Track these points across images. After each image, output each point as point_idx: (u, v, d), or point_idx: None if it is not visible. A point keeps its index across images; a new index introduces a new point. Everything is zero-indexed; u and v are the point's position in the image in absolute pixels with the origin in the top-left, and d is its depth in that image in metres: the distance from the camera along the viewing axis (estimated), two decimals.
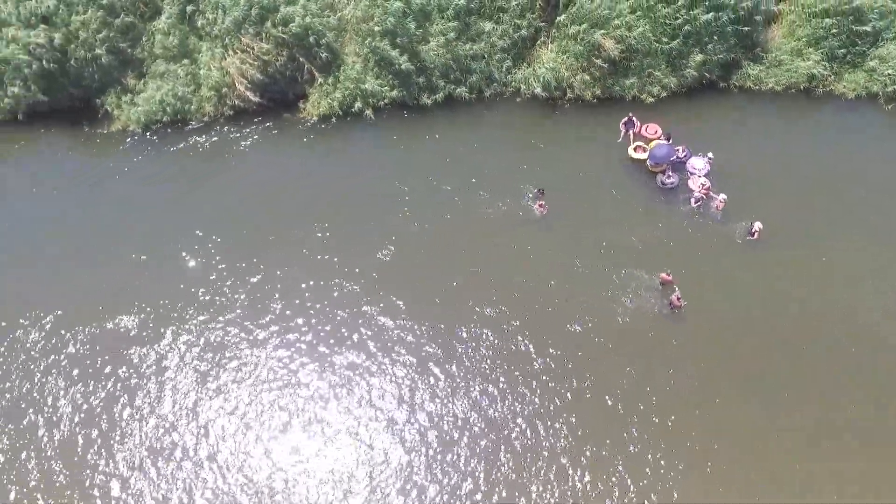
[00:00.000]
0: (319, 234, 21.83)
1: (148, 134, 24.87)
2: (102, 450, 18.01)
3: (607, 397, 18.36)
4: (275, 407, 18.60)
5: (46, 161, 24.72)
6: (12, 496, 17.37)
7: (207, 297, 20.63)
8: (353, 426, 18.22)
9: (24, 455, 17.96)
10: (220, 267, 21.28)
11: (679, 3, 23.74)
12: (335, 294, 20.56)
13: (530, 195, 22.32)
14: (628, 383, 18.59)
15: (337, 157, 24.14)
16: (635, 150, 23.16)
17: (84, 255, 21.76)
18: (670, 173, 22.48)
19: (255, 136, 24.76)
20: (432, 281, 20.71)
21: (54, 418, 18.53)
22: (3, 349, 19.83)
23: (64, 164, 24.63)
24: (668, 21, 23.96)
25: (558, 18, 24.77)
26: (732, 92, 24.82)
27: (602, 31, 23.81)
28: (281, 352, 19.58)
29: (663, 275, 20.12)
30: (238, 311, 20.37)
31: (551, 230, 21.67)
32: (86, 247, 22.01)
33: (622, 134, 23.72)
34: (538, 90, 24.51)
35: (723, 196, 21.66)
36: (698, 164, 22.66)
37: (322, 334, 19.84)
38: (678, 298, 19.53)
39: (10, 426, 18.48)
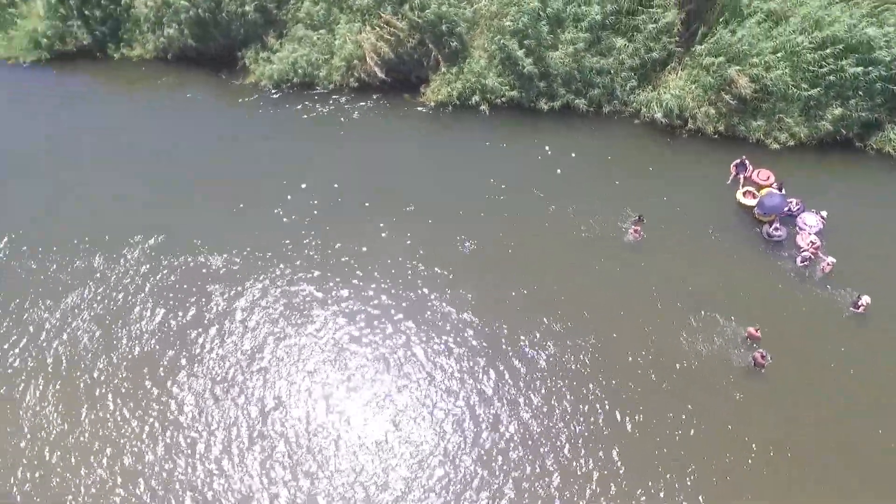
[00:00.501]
0: (410, 213, 22.42)
1: (276, 92, 26.41)
2: (173, 370, 19.53)
3: (657, 438, 17.78)
4: (328, 365, 19.52)
5: (180, 100, 26.90)
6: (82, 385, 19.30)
7: (293, 253, 21.68)
8: (383, 393, 18.96)
9: (102, 361, 19.76)
10: (311, 227, 22.29)
11: (827, 51, 22.28)
12: (409, 274, 21.10)
13: (628, 219, 21.81)
14: (678, 429, 17.90)
15: (446, 145, 24.64)
16: (744, 195, 22.07)
17: (188, 191, 23.58)
18: (778, 225, 21.24)
19: (374, 111, 25.70)
20: (506, 284, 20.75)
21: (136, 332, 20.28)
22: (109, 261, 21.81)
23: (196, 106, 26.72)
24: (811, 67, 22.53)
25: (694, 47, 23.94)
26: (867, 154, 23.08)
27: (737, 67, 22.80)
28: (343, 319, 20.37)
29: (752, 329, 19.13)
30: (319, 271, 21.28)
31: (639, 258, 21.11)
32: (193, 184, 23.83)
33: (732, 176, 22.66)
34: (658, 115, 23.84)
35: (831, 259, 20.27)
36: (810, 220, 21.30)
37: (389, 309, 20.46)
38: (763, 356, 18.53)
39: (98, 332, 20.36)
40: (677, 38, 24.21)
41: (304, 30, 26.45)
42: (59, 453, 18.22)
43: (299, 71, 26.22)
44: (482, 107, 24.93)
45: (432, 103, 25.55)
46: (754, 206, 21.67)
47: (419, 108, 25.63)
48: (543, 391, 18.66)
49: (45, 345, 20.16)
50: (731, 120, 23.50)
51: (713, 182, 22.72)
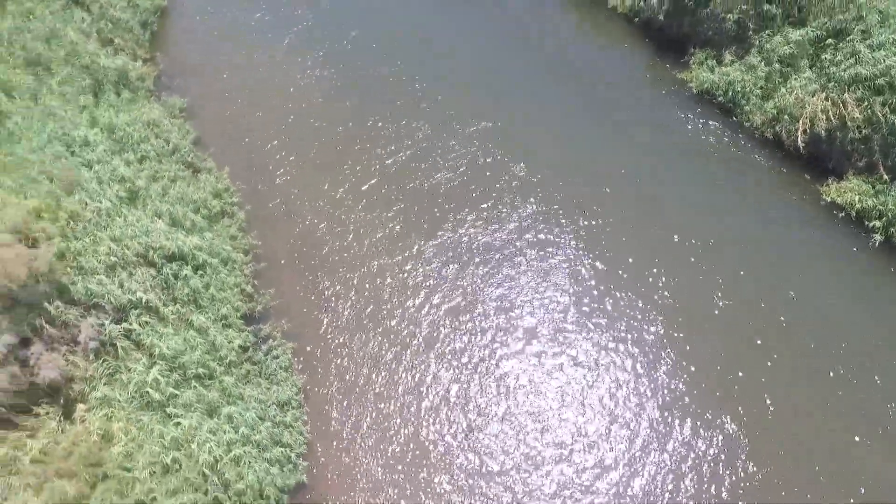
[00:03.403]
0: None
1: (697, 105, 27.04)
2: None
3: None
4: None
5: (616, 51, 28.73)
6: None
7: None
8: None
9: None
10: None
11: None
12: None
13: None
14: None
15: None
16: None
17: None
18: None
19: (761, 181, 24.41)
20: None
21: None
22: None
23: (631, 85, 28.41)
24: None
25: None
26: None
27: None
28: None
29: None
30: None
31: None
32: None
33: None
34: None
35: None
36: None
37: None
38: None
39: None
40: None
41: (757, 61, 26.34)
42: None
43: (728, 93, 26.46)
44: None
45: (833, 200, 23.13)
46: None
47: (819, 201, 23.48)
48: (692, 408, 18.12)
49: None
50: None
51: None
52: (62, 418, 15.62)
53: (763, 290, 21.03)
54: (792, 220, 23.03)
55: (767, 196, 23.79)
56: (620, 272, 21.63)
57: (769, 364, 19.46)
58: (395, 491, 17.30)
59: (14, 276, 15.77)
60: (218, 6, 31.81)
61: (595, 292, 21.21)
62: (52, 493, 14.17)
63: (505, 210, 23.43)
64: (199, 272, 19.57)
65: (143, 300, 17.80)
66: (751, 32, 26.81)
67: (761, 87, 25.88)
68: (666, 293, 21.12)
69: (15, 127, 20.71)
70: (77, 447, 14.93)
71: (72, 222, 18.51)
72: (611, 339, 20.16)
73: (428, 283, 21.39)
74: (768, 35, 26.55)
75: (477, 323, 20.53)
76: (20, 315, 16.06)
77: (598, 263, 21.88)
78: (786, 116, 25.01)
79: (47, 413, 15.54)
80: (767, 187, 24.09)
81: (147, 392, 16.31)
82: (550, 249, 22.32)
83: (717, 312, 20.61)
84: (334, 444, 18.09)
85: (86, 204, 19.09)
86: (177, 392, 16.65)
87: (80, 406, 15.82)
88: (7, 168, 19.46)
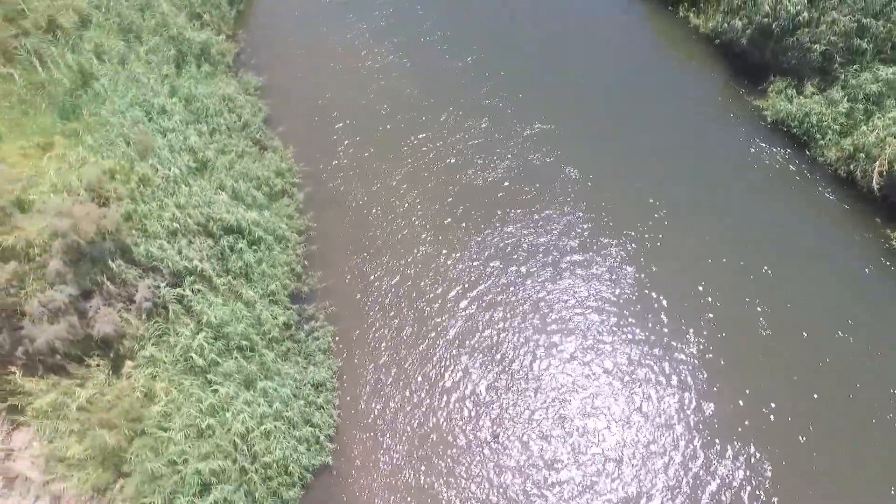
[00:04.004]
0: None
1: (769, 126, 26.31)
2: None
3: None
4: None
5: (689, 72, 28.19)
6: None
7: None
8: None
9: None
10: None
11: None
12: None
13: None
14: None
15: None
16: None
17: None
18: None
19: (831, 225, 23.86)
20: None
21: None
22: None
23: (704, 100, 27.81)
24: None
25: None
26: None
27: None
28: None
29: None
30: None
31: None
32: None
33: None
34: None
35: None
36: None
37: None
38: None
39: None
40: None
41: (840, 95, 25.33)
42: None
43: (804, 124, 25.59)
44: None
45: None
46: None
47: (888, 245, 22.50)
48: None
49: None
50: None
51: None
52: (110, 372, 16.53)
53: (814, 328, 20.44)
54: (857, 261, 22.22)
55: (833, 233, 23.01)
56: (665, 292, 21.33)
57: (810, 406, 18.89)
58: (418, 481, 17.62)
59: (84, 232, 16.72)
60: None
61: (637, 307, 21.08)
62: (93, 442, 15.04)
63: (554, 214, 23.41)
64: (254, 247, 20.28)
65: (199, 268, 18.58)
66: (837, 66, 25.81)
67: (841, 124, 24.91)
68: (710, 315, 20.77)
69: (101, 89, 21.81)
70: (121, 401, 15.78)
71: (141, 186, 19.44)
72: (645, 355, 19.97)
73: (469, 278, 21.66)
74: (856, 70, 25.52)
75: (512, 321, 20.67)
76: (85, 269, 17.01)
77: (642, 276, 21.65)
78: (862, 155, 24.03)
79: (98, 365, 16.46)
80: (834, 225, 23.25)
81: (191, 357, 17.08)
82: (595, 259, 22.24)
83: (760, 343, 20.16)
84: (362, 428, 18.53)
85: (156, 169, 20.00)
86: (219, 360, 17.37)
87: (129, 363, 16.70)
88: (90, 127, 20.58)
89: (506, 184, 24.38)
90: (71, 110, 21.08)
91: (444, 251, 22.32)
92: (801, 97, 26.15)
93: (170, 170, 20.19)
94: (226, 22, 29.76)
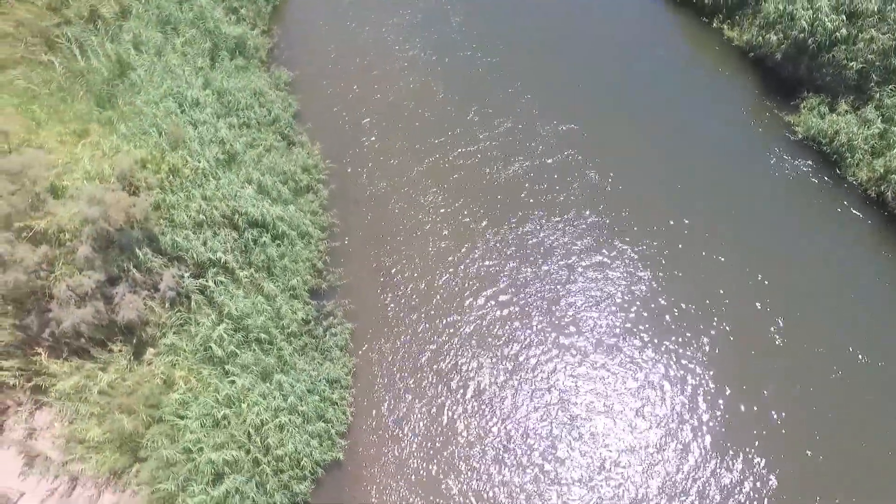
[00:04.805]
0: None
1: (795, 139, 25.98)
2: None
3: None
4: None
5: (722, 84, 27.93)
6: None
7: None
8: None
9: None
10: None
11: None
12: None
13: None
14: None
15: None
16: None
17: None
18: None
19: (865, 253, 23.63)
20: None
21: None
22: None
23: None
24: None
25: None
26: None
27: None
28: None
29: None
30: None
31: None
32: None
33: None
34: None
35: None
36: None
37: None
38: None
39: None
40: None
41: (874, 115, 24.81)
42: None
43: (834, 142, 25.21)
44: None
45: None
46: None
47: None
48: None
49: None
50: None
51: None
52: (132, 358, 16.95)
53: (834, 348, 20.29)
54: (886, 282, 21.95)
55: (861, 253, 22.71)
56: (680, 299, 21.24)
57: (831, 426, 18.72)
58: (429, 479, 17.80)
59: (113, 219, 17.15)
60: None
61: (650, 312, 21.05)
62: (113, 425, 15.45)
63: (573, 216, 23.49)
64: (277, 242, 20.60)
65: (222, 260, 18.94)
66: (873, 84, 25.37)
67: (873, 144, 24.51)
68: (726, 327, 20.68)
69: (137, 79, 22.28)
70: (141, 387, 16.19)
71: (171, 176, 19.84)
72: (658, 360, 20.00)
73: (486, 276, 21.86)
74: (891, 90, 25.05)
75: (528, 321, 20.82)
76: (112, 256, 17.45)
77: (657, 283, 21.56)
78: (894, 177, 23.64)
79: (120, 350, 16.89)
80: (863, 245, 22.94)
81: (210, 347, 17.43)
82: (612, 262, 22.30)
83: (778, 359, 20.04)
84: (374, 427, 18.75)
85: (186, 161, 20.40)
86: (237, 352, 17.70)
87: (150, 349, 17.11)
88: (125, 116, 21.04)
89: (527, 184, 24.47)
90: (107, 99, 21.56)
91: (464, 249, 22.54)
92: (834, 114, 25.74)
93: (199, 161, 20.57)
94: (261, 17, 30.18)
